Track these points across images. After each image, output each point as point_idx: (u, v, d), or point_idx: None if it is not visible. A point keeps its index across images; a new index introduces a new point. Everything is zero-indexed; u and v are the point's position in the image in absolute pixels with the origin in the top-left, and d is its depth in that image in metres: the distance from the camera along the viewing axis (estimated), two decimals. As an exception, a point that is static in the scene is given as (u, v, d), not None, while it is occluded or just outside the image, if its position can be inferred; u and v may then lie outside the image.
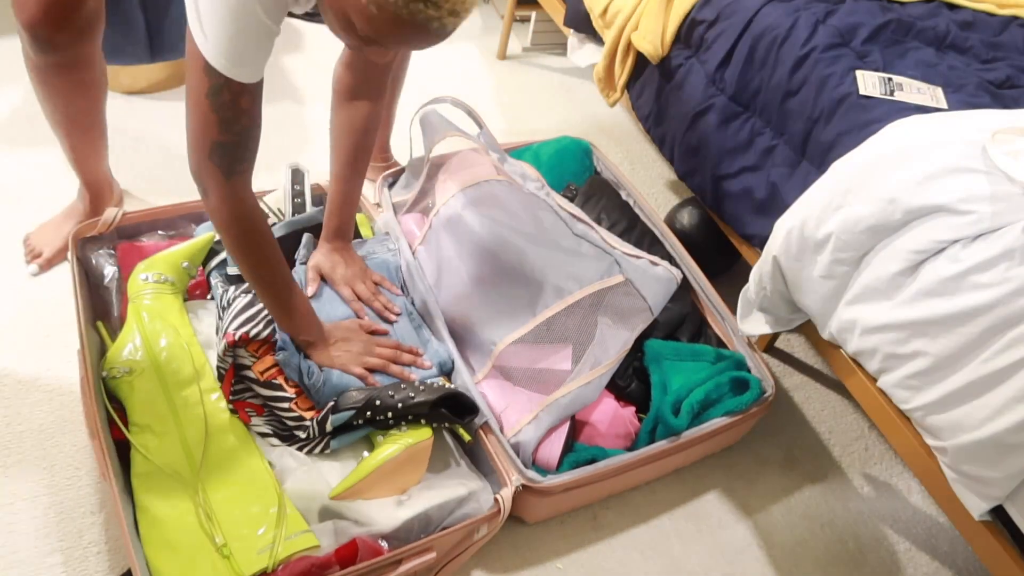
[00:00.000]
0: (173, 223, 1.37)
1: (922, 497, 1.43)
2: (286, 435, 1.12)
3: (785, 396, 1.55)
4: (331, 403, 1.09)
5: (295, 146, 1.83)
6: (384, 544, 1.03)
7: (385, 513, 1.04)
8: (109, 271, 1.27)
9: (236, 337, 1.10)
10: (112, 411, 1.09)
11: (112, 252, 1.30)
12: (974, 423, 0.98)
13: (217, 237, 1.27)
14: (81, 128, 1.34)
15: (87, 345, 1.14)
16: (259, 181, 1.70)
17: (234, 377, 1.12)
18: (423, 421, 1.11)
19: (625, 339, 1.28)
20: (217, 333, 1.16)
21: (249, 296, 1.16)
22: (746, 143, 1.41)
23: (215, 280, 1.23)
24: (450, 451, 1.18)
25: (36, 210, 1.54)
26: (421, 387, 1.11)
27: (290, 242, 1.28)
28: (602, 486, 1.24)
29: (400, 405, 1.08)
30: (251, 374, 1.12)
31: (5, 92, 1.79)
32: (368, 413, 1.08)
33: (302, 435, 1.10)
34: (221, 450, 1.08)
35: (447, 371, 1.25)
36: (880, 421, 1.18)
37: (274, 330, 1.13)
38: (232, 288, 1.18)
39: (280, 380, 1.12)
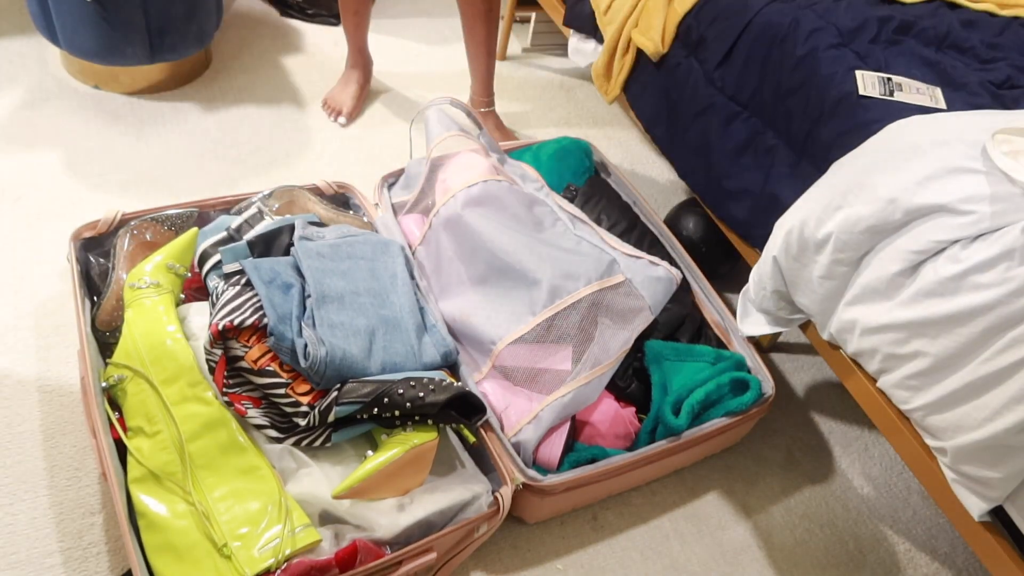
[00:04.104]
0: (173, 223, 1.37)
1: (922, 497, 1.43)
2: (285, 426, 1.11)
3: (785, 396, 1.55)
4: (334, 392, 1.08)
5: (295, 147, 1.83)
6: (386, 549, 1.03)
7: (386, 519, 1.04)
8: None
9: (220, 327, 1.09)
10: (112, 416, 1.09)
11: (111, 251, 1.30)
12: (974, 423, 0.98)
13: (205, 241, 1.27)
14: (353, 8, 1.83)
15: (87, 345, 1.14)
16: (259, 181, 1.71)
17: (227, 369, 1.12)
18: (429, 421, 1.11)
19: (625, 339, 1.28)
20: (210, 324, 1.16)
21: (236, 288, 1.15)
22: (746, 143, 1.41)
23: (212, 283, 1.23)
24: (455, 452, 1.17)
25: (36, 210, 1.54)
26: (431, 386, 1.10)
27: (278, 239, 1.28)
28: (602, 486, 1.24)
29: (408, 404, 1.07)
30: (245, 364, 1.11)
31: (5, 92, 1.79)
32: (375, 409, 1.07)
33: (302, 423, 1.09)
34: (215, 446, 1.07)
35: (451, 362, 1.25)
36: (880, 421, 1.18)
37: (262, 316, 1.12)
38: (222, 283, 1.18)
39: (274, 366, 1.11)
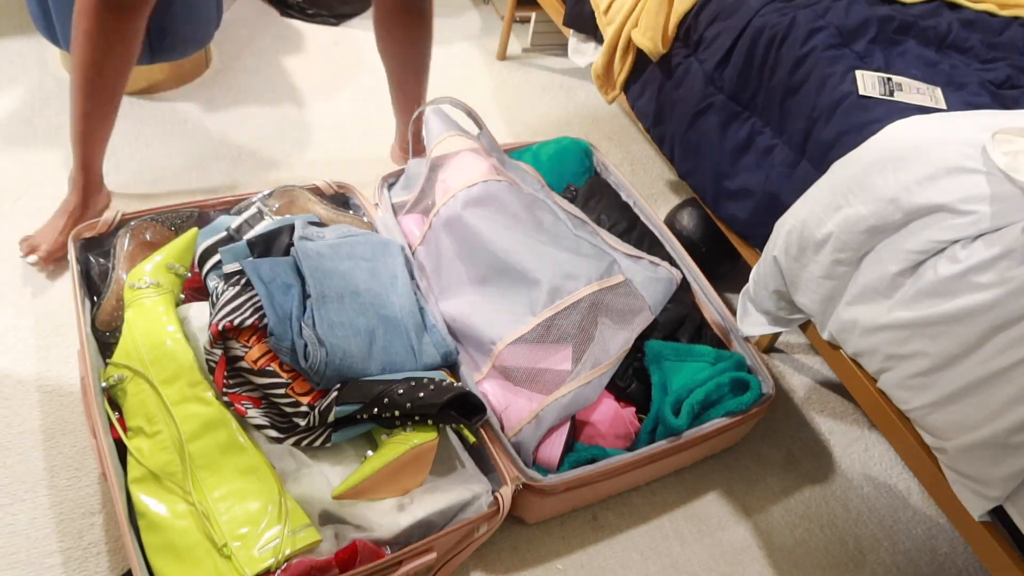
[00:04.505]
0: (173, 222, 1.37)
1: (922, 497, 1.43)
2: (285, 426, 1.11)
3: (785, 396, 1.55)
4: (334, 392, 1.08)
5: (295, 147, 1.83)
6: (386, 549, 1.03)
7: (386, 519, 1.04)
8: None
9: (220, 328, 1.09)
10: (112, 416, 1.09)
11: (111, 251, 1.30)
12: (974, 423, 0.98)
13: (205, 241, 1.27)
14: (110, 91, 1.33)
15: (87, 345, 1.14)
16: (259, 181, 1.71)
17: (227, 369, 1.11)
18: (429, 421, 1.11)
19: (625, 339, 1.28)
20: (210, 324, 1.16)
21: (236, 288, 1.15)
22: (746, 143, 1.41)
23: (212, 283, 1.24)
24: (455, 452, 1.17)
25: (36, 210, 1.54)
26: (431, 387, 1.10)
27: (278, 239, 1.28)
28: (602, 486, 1.24)
29: (408, 404, 1.07)
30: (245, 364, 1.11)
31: (5, 92, 1.79)
32: (375, 409, 1.07)
33: (302, 423, 1.09)
34: (215, 446, 1.07)
35: (451, 362, 1.25)
36: (880, 421, 1.18)
37: (262, 316, 1.12)
38: (222, 283, 1.18)
39: (274, 366, 1.11)
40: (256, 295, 1.14)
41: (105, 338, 1.21)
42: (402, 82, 1.60)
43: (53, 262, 1.44)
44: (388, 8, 1.45)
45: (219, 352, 1.10)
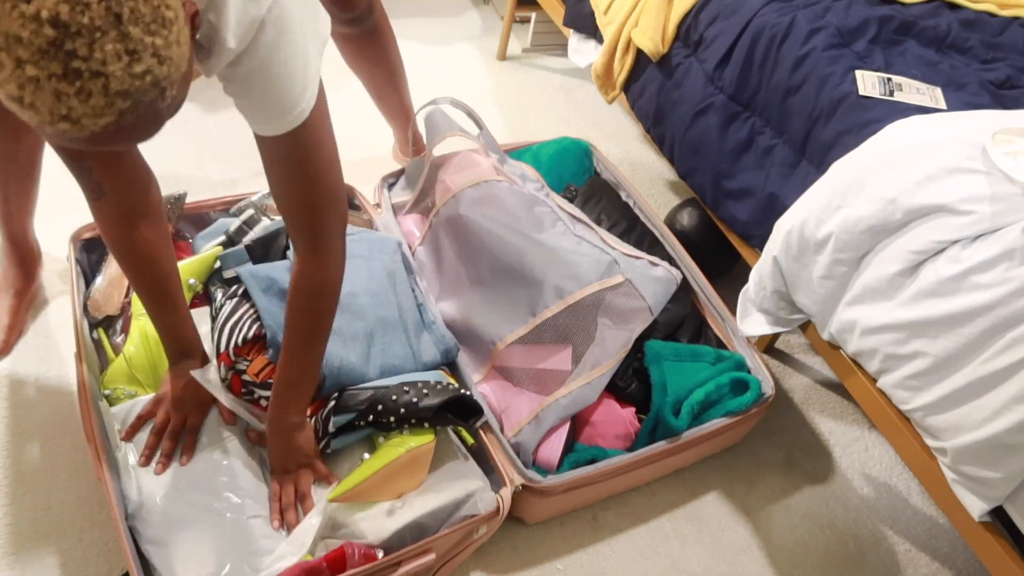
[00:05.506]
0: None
1: (922, 497, 1.43)
2: None
3: (785, 397, 1.55)
4: (332, 402, 1.08)
5: (295, 146, 1.83)
6: (380, 553, 1.03)
7: (376, 525, 1.03)
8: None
9: (230, 353, 1.10)
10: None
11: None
12: (974, 424, 0.98)
13: (206, 245, 1.27)
14: (28, 169, 1.20)
15: (84, 349, 1.14)
16: (259, 182, 1.70)
17: (238, 384, 1.12)
18: (426, 424, 1.11)
19: (625, 339, 1.28)
20: (212, 340, 1.17)
21: (233, 301, 1.16)
22: (746, 143, 1.41)
23: (213, 287, 1.24)
24: (451, 452, 1.17)
25: (37, 210, 1.54)
26: (425, 391, 1.10)
27: (276, 240, 1.28)
28: (602, 486, 1.24)
29: (403, 410, 1.07)
30: (248, 377, 1.12)
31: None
32: (371, 417, 1.08)
33: None
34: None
35: (452, 359, 1.24)
36: (880, 422, 1.18)
37: (261, 326, 1.12)
38: (220, 296, 1.19)
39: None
40: (253, 305, 1.14)
41: (94, 320, 1.21)
42: (380, 93, 1.61)
43: (17, 339, 1.32)
44: (339, 34, 1.46)
45: (231, 374, 1.11)
